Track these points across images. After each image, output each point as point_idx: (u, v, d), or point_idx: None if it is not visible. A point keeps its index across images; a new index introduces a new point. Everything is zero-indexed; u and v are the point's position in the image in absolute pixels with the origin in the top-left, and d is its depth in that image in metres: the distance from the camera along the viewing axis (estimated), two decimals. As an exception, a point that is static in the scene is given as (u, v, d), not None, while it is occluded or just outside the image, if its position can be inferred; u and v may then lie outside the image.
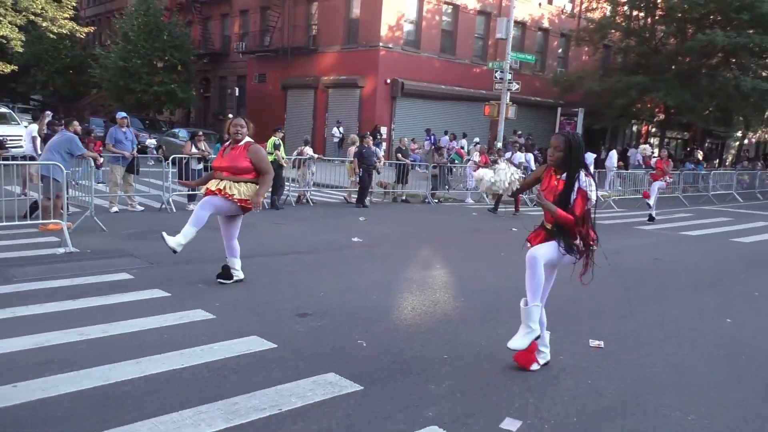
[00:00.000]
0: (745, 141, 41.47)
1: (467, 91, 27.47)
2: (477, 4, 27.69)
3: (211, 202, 6.03)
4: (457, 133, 25.53)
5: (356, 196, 14.51)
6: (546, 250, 4.19)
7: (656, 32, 28.70)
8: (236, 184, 6.03)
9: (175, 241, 5.94)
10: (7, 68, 24.52)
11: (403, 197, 16.30)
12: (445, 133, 25.17)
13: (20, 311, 5.17)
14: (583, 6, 31.43)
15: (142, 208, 11.83)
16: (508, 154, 15.76)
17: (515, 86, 19.48)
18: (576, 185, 4.14)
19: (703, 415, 3.81)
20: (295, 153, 14.49)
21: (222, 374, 4.05)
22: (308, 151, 14.57)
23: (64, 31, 22.89)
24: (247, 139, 6.18)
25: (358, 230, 10.71)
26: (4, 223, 8.34)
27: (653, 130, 37.25)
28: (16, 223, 8.76)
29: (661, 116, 31.64)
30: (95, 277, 6.51)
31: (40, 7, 21.45)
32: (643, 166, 21.10)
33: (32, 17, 22.00)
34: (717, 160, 37.30)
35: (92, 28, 26.40)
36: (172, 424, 3.34)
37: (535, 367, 4.37)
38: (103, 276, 6.56)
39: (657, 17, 28.58)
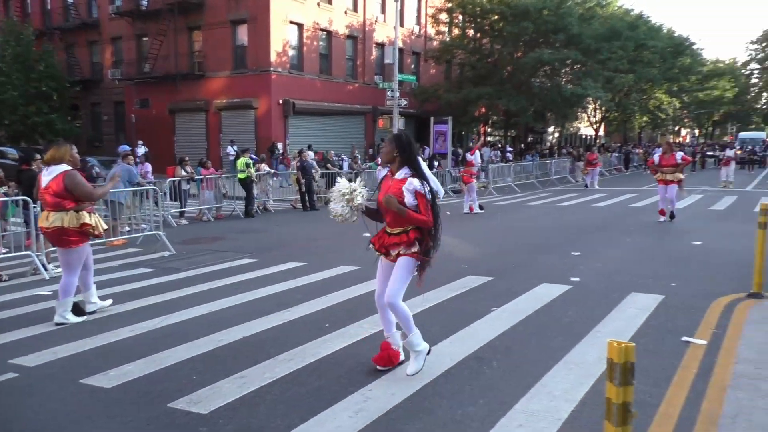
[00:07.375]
0: (566, 132, 50.47)
1: (345, 106, 31.19)
2: (346, 30, 31.47)
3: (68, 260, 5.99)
4: (344, 144, 29.22)
5: (307, 203, 17.44)
6: (398, 286, 4.12)
7: (494, 51, 34.78)
8: (60, 213, 5.85)
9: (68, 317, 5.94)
10: None
11: (334, 200, 19.47)
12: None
13: (226, 281, 7.79)
14: (429, 29, 36.75)
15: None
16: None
17: (404, 102, 23.52)
18: (416, 184, 4.05)
19: (650, 265, 7.84)
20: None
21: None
22: (264, 167, 17.24)
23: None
24: (64, 167, 5.91)
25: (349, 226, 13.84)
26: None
27: (489, 130, 44.25)
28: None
29: (495, 118, 38.43)
30: (232, 262, 9.05)
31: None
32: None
33: None
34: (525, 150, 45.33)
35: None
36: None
37: (401, 357, 4.51)
38: (235, 261, 9.12)
39: (492, 37, 34.73)
